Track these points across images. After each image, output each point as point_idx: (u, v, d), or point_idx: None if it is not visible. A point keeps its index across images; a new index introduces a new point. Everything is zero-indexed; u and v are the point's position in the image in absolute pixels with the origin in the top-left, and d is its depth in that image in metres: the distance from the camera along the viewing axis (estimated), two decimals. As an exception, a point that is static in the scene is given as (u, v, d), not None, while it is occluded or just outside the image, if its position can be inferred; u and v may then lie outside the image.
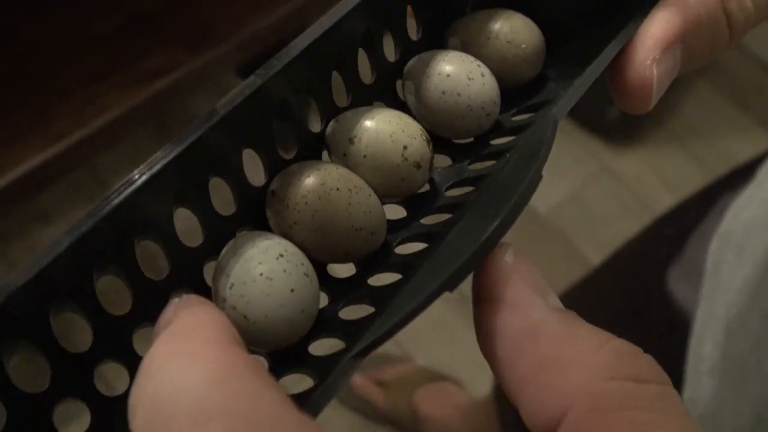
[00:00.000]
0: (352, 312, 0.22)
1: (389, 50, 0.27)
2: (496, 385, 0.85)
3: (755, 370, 0.44)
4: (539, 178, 0.21)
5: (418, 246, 0.23)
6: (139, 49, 0.76)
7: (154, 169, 0.19)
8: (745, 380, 0.45)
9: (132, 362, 0.20)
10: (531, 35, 0.27)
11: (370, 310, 0.22)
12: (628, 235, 0.84)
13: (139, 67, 0.74)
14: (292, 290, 0.20)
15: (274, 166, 0.23)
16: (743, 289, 0.47)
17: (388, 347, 1.17)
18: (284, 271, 0.20)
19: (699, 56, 0.26)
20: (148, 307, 0.21)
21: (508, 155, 0.24)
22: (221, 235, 0.22)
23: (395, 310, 0.19)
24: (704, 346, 0.49)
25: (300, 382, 0.21)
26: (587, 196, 1.37)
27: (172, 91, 0.76)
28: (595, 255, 1.29)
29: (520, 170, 0.22)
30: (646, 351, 0.60)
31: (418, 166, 0.24)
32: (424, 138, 0.24)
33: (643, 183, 1.40)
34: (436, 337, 1.21)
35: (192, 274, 0.22)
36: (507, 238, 0.20)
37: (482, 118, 0.25)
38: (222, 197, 0.23)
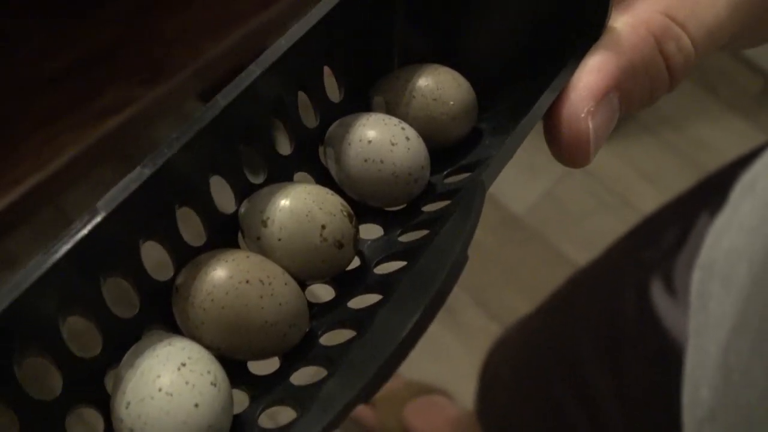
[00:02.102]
0: (274, 415, 0.20)
1: (310, 115, 0.25)
2: (476, 403, 0.83)
3: (763, 424, 0.42)
4: (464, 260, 0.19)
5: (345, 334, 0.22)
6: (93, 87, 0.74)
7: (27, 282, 0.17)
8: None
9: None
10: (459, 91, 0.25)
11: (292, 413, 0.20)
12: (607, 230, 0.83)
13: (94, 105, 0.72)
14: (197, 405, 0.18)
15: (181, 257, 0.21)
16: (738, 329, 0.45)
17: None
18: (186, 383, 0.18)
19: (639, 102, 0.25)
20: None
21: (438, 224, 0.23)
22: (125, 338, 0.20)
23: (306, 426, 0.17)
24: (700, 391, 0.47)
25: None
26: (563, 194, 1.36)
27: (130, 125, 0.74)
28: (576, 253, 1.28)
29: (445, 250, 0.20)
30: (634, 379, 0.58)
31: (340, 245, 0.22)
32: (345, 213, 0.22)
33: (619, 176, 1.39)
34: (423, 350, 1.19)
35: (90, 389, 0.20)
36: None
37: (410, 184, 0.23)
38: (123, 295, 0.21)
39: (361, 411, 1.10)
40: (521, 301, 1.21)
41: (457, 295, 1.22)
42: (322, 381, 0.20)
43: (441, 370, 1.17)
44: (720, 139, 1.44)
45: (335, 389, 0.18)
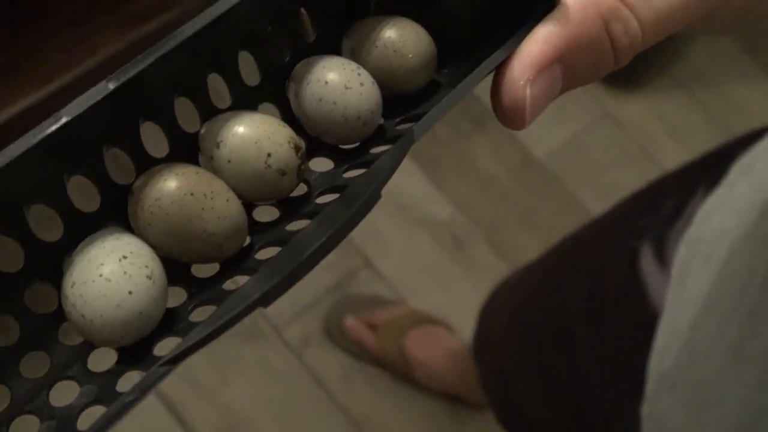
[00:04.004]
0: (202, 313, 0.24)
1: (283, 49, 0.27)
2: (473, 342, 0.86)
3: (716, 403, 0.44)
4: (376, 198, 0.22)
5: (275, 250, 0.24)
6: (128, -10, 0.75)
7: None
8: (705, 410, 0.45)
9: None
10: (419, 45, 0.27)
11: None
12: (626, 182, 0.83)
13: (129, 8, 0.74)
14: (130, 292, 0.21)
15: (142, 165, 0.24)
16: (709, 309, 0.47)
17: (380, 289, 1.20)
18: (125, 273, 0.22)
19: (582, 76, 0.26)
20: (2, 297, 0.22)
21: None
22: (84, 230, 0.23)
23: (211, 320, 0.20)
24: (665, 363, 0.49)
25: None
26: (587, 141, 1.36)
27: (165, 32, 0.75)
28: (592, 202, 1.29)
29: (363, 188, 0.23)
30: (613, 340, 0.61)
31: (283, 173, 0.24)
32: (292, 145, 0.25)
33: (645, 130, 1.38)
34: (430, 282, 1.23)
35: (48, 268, 0.23)
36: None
37: (358, 127, 0.26)
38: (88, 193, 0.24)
39: (364, 335, 1.14)
40: (532, 244, 1.23)
41: (470, 231, 1.25)
42: (241, 286, 0.23)
43: (446, 303, 1.20)
44: (753, 102, 1.41)
45: (244, 293, 0.21)
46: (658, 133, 1.39)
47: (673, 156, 1.34)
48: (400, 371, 1.15)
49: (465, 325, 1.13)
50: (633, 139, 1.38)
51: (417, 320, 1.17)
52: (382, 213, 1.20)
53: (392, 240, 1.23)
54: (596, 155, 1.35)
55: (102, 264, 0.22)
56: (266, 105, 0.27)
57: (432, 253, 1.24)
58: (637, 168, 1.34)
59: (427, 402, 1.15)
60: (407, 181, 1.27)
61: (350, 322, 1.15)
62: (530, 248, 1.22)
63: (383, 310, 1.18)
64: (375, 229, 1.22)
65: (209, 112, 0.25)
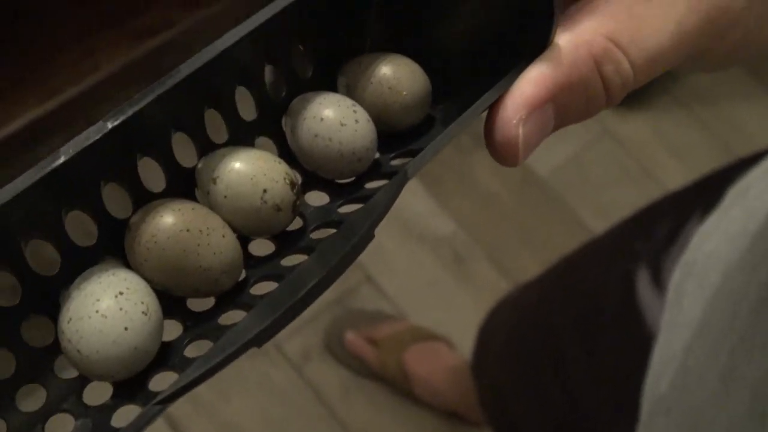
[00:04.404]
0: (197, 347, 0.24)
1: (280, 85, 0.28)
2: (472, 360, 0.86)
3: (710, 426, 0.44)
4: (370, 237, 0.22)
5: (270, 285, 0.25)
6: (134, 5, 0.76)
7: None
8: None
9: None
10: (414, 82, 0.27)
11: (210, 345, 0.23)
12: (627, 201, 0.84)
13: (133, 23, 0.74)
14: (126, 328, 0.22)
15: (141, 200, 0.24)
16: (702, 332, 0.47)
17: (381, 305, 1.20)
18: (120, 309, 0.22)
19: (574, 115, 0.27)
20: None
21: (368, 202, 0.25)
22: (82, 264, 0.24)
23: (205, 359, 0.21)
24: (660, 386, 0.49)
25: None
26: (588, 159, 1.37)
27: (168, 48, 0.76)
28: (593, 220, 1.29)
29: (357, 226, 0.23)
30: (608, 362, 0.61)
31: (278, 209, 0.25)
32: (288, 181, 0.25)
33: (646, 148, 1.39)
34: (431, 298, 1.23)
35: (46, 302, 0.23)
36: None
37: (353, 163, 0.26)
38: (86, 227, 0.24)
39: (365, 350, 1.15)
40: (533, 262, 1.23)
41: (472, 248, 1.25)
42: (236, 323, 0.23)
43: (447, 319, 1.20)
44: (754, 122, 1.42)
45: (240, 330, 0.22)
46: (658, 151, 1.39)
47: (673, 174, 1.34)
48: (399, 386, 1.16)
49: (465, 341, 1.13)
50: (633, 157, 1.38)
51: (417, 336, 1.17)
52: (384, 229, 1.21)
53: (394, 256, 1.23)
54: (597, 173, 1.36)
55: (98, 300, 0.22)
56: (263, 139, 0.27)
57: (433, 270, 1.24)
58: (638, 186, 1.35)
59: (427, 418, 1.15)
60: (410, 198, 1.27)
61: (351, 336, 1.16)
62: (531, 266, 1.22)
63: (384, 325, 1.18)
64: (377, 245, 1.21)
65: (206, 147, 0.26)
